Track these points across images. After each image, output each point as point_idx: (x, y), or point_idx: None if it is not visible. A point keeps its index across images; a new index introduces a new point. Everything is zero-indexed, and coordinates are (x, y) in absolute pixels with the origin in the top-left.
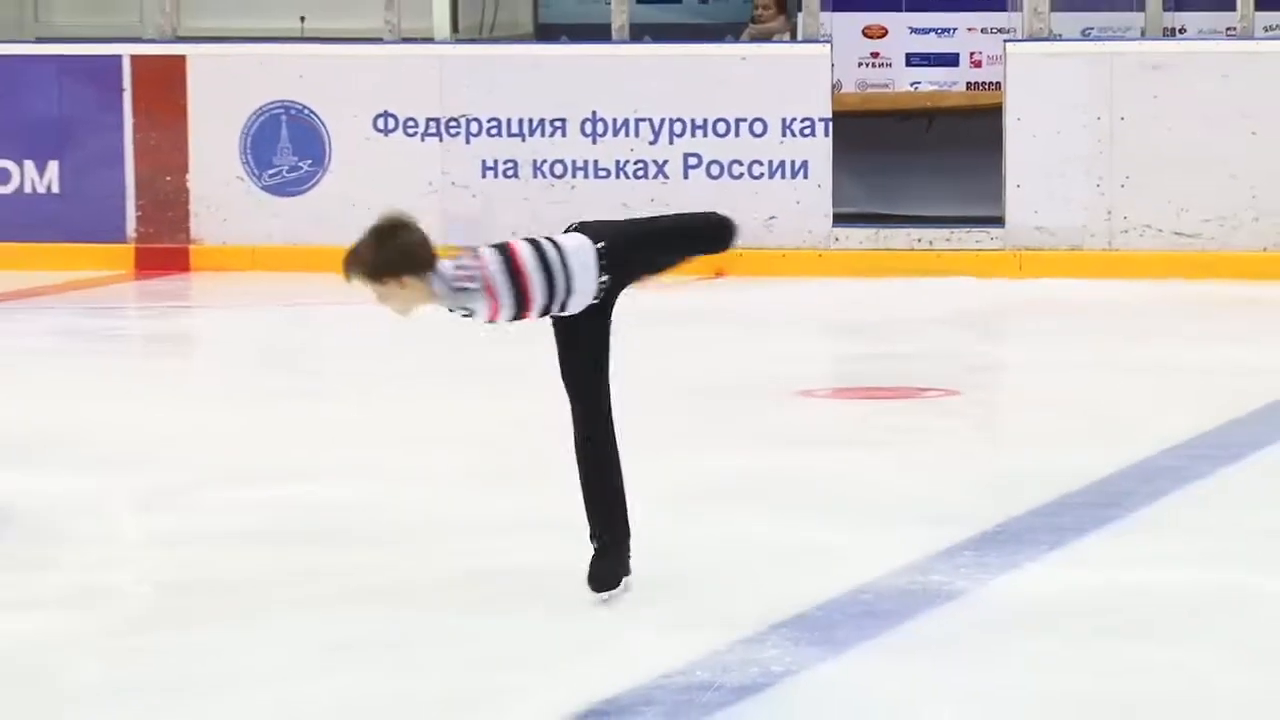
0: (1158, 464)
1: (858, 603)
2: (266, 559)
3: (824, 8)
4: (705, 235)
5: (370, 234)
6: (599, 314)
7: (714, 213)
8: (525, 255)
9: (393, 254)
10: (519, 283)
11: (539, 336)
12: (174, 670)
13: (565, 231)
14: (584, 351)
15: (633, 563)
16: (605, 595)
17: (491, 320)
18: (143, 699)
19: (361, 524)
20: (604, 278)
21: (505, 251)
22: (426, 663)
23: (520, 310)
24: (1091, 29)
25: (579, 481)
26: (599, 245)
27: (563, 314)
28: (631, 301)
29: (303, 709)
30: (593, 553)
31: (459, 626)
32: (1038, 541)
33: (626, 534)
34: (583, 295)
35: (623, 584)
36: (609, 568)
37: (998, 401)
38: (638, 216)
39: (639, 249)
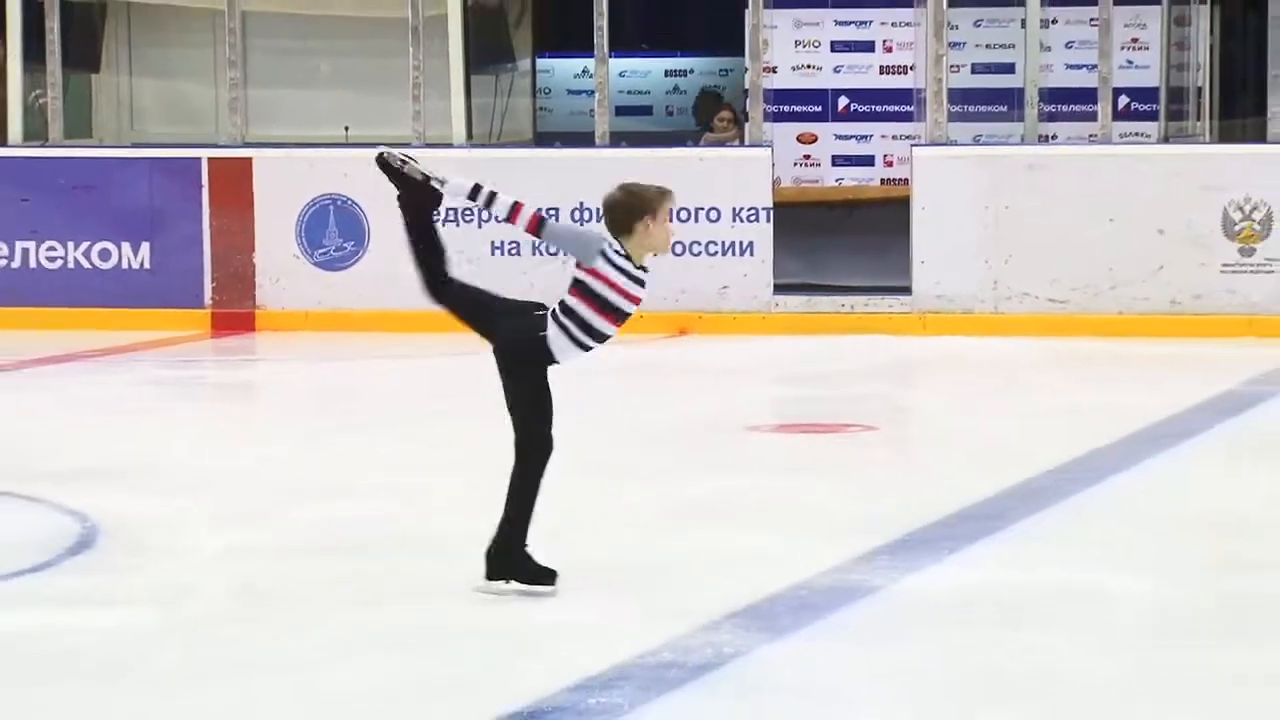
0: (1035, 485)
1: (795, 597)
2: (313, 567)
3: (766, 118)
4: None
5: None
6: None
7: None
8: None
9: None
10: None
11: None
12: (238, 657)
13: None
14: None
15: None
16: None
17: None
18: (210, 681)
19: (390, 537)
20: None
21: None
22: (439, 651)
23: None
24: (981, 135)
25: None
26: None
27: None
28: (608, 354)
29: (339, 689)
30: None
31: (465, 620)
32: (938, 548)
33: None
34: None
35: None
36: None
37: (908, 435)
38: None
39: None
